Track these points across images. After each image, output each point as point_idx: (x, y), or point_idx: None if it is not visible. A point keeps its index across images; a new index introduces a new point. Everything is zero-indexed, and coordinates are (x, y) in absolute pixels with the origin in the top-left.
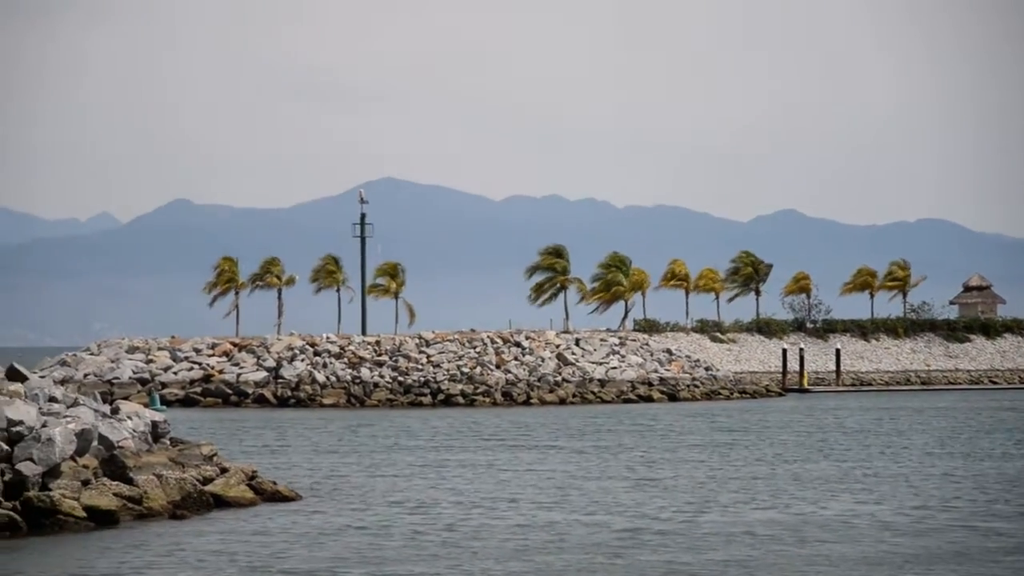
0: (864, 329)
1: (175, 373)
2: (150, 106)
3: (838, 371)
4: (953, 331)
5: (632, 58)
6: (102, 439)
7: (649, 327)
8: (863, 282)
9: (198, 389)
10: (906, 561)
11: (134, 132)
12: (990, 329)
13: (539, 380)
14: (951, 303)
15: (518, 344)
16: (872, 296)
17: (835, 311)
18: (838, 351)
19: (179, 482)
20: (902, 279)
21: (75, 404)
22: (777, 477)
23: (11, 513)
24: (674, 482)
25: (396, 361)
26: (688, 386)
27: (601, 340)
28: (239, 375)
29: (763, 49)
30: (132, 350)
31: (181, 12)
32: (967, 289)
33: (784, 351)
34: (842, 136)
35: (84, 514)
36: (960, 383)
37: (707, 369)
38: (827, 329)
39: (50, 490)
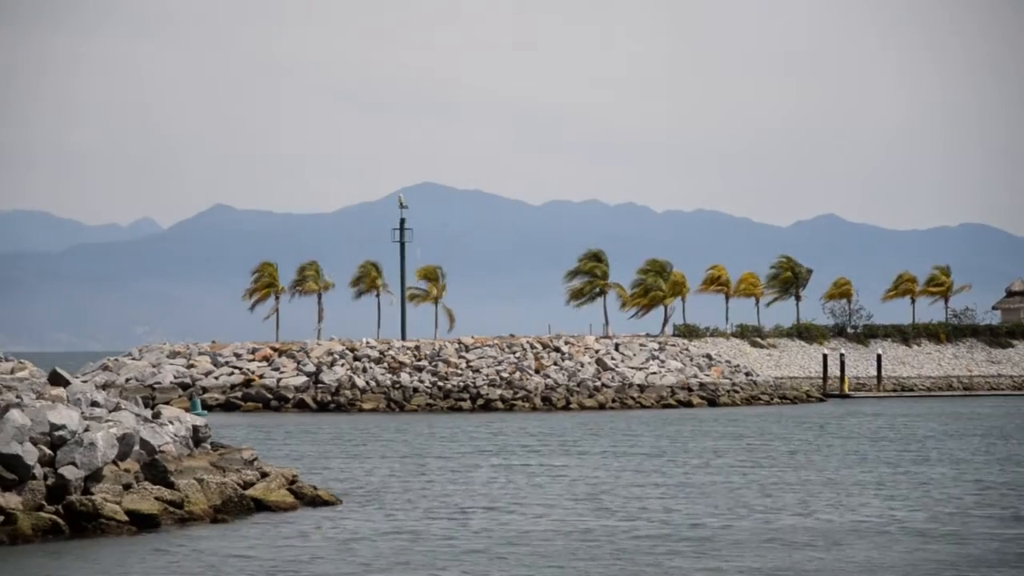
0: (905, 334)
1: (216, 378)
2: (191, 111)
3: (879, 376)
4: (995, 336)
5: (672, 64)
6: (143, 443)
7: (689, 332)
8: (904, 288)
9: (239, 394)
10: None
11: (175, 137)
12: None
13: (578, 385)
14: (993, 308)
15: (557, 349)
16: (913, 301)
17: (876, 316)
18: (879, 356)
19: (220, 486)
20: (944, 285)
21: (117, 409)
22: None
23: (54, 517)
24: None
25: (436, 366)
26: (728, 391)
27: (640, 345)
28: (279, 380)
29: (803, 53)
30: (173, 355)
31: (223, 16)
32: (1010, 294)
33: (825, 356)
34: (883, 140)
35: (126, 518)
36: (1002, 388)
37: (747, 374)
38: (868, 334)
39: (92, 494)
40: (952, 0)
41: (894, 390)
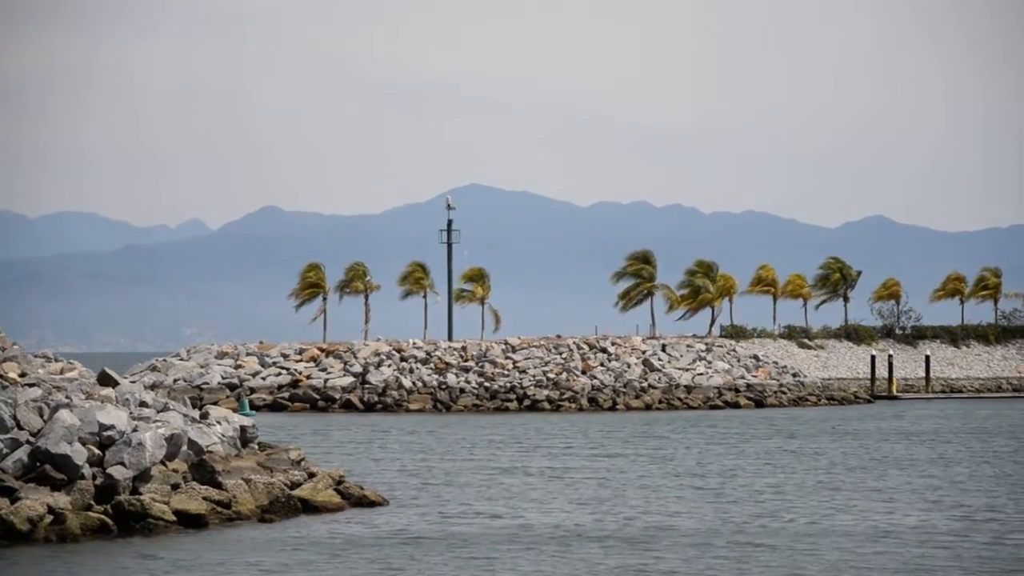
0: (954, 335)
1: (263, 378)
2: (240, 113)
3: (927, 378)
4: None
5: (720, 66)
6: (191, 444)
7: (736, 333)
8: (953, 288)
9: (286, 394)
10: None
11: (224, 139)
12: None
13: (625, 386)
14: None
15: (604, 350)
16: (963, 303)
17: (925, 318)
18: (927, 357)
19: (267, 486)
20: (994, 286)
21: (165, 409)
22: None
23: (102, 516)
24: None
25: (482, 367)
26: (775, 392)
27: (687, 346)
28: (326, 380)
29: (851, 54)
30: (221, 355)
31: (274, 17)
32: None
33: (872, 357)
34: (933, 141)
35: (174, 518)
36: None
37: (794, 375)
38: (916, 336)
39: (140, 494)
40: (999, 1)
41: (942, 391)
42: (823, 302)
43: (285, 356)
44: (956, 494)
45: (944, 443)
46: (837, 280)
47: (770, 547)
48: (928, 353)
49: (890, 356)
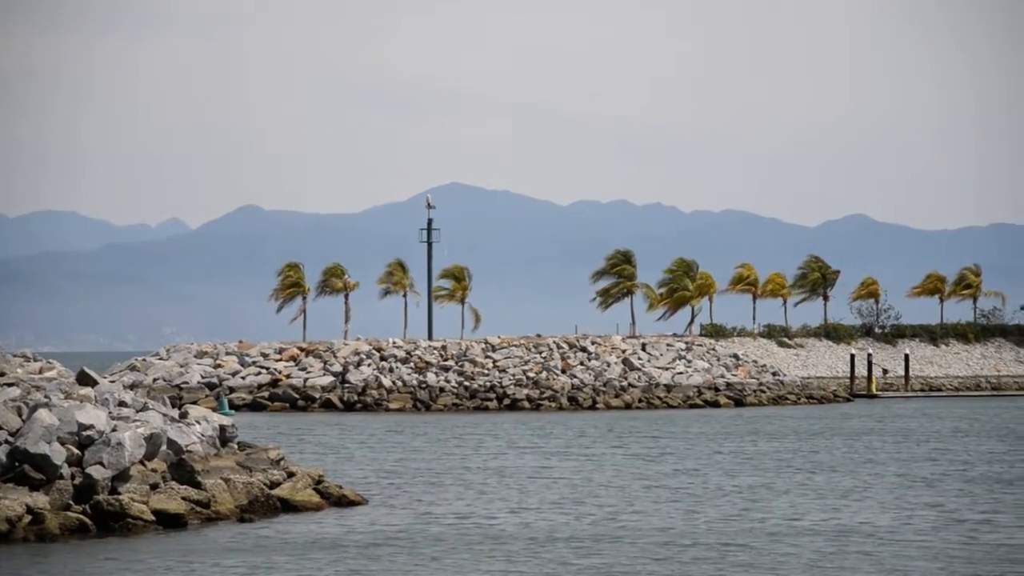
0: (933, 334)
1: (243, 378)
2: (220, 112)
3: (907, 376)
4: None
5: (701, 65)
6: (171, 443)
7: (716, 332)
8: (932, 287)
9: (265, 394)
10: None
11: (204, 138)
12: None
13: (605, 385)
14: (1022, 308)
15: (584, 349)
16: (942, 301)
17: (904, 316)
18: (907, 356)
19: (246, 486)
20: (975, 285)
21: (144, 408)
22: None
23: (81, 516)
24: None
25: (462, 366)
26: (755, 391)
27: (667, 345)
28: (306, 380)
29: (831, 54)
30: (200, 355)
31: (251, 19)
32: None
33: (852, 356)
34: (913, 140)
35: (152, 517)
36: None
37: (774, 374)
38: (896, 334)
39: (119, 493)
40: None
41: (921, 390)
42: (802, 301)
43: (265, 355)
44: (928, 493)
45: (922, 442)
46: (817, 279)
47: (744, 547)
48: (907, 352)
49: (869, 355)
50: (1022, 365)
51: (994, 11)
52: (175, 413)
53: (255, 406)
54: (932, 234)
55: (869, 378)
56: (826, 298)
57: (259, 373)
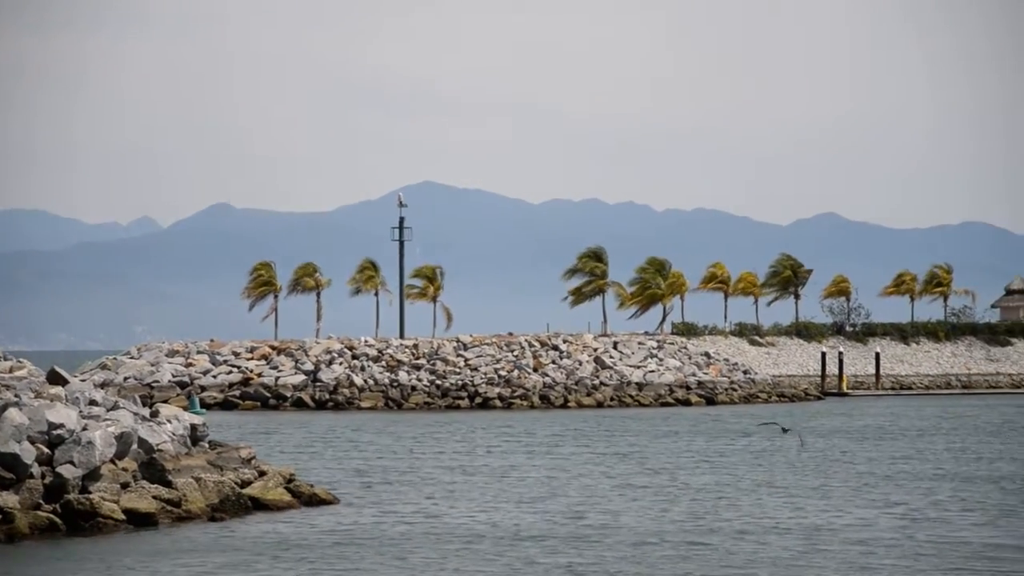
0: (904, 333)
1: (214, 376)
2: (191, 110)
3: (877, 375)
4: (994, 335)
5: (673, 62)
6: (141, 442)
7: (687, 330)
8: (903, 286)
9: (237, 392)
10: None
11: (175, 136)
12: None
13: (576, 383)
14: (993, 306)
15: (556, 347)
16: (912, 300)
17: (875, 315)
18: (877, 355)
19: (217, 485)
20: (945, 284)
21: (115, 407)
22: None
23: (51, 515)
24: None
25: (434, 364)
26: (726, 389)
27: (639, 343)
28: (277, 378)
29: (802, 53)
30: (172, 354)
31: (225, 14)
32: (1009, 292)
33: (823, 355)
34: (884, 139)
35: (123, 517)
36: (1001, 387)
37: (745, 372)
38: (867, 333)
39: (90, 493)
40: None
41: (892, 388)
42: (774, 299)
43: (236, 354)
44: (896, 492)
45: (891, 440)
46: (788, 277)
47: (711, 546)
48: (878, 350)
49: (840, 353)
50: (992, 363)
51: (958, 8)
52: (146, 412)
53: (226, 405)
54: (903, 233)
55: (840, 376)
56: (797, 297)
57: (230, 372)
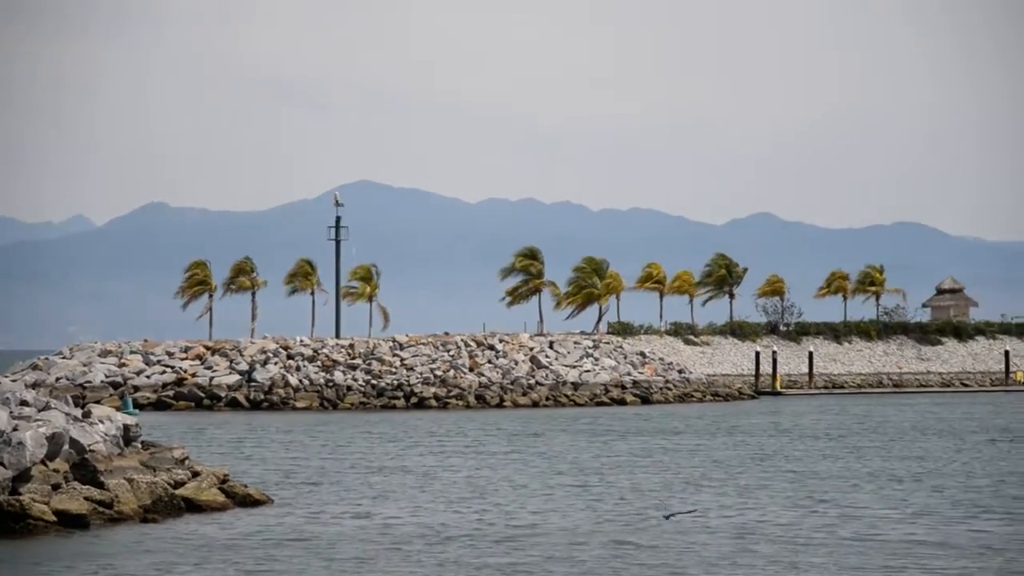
0: (837, 332)
1: (148, 376)
2: (125, 109)
3: (811, 374)
4: (925, 334)
5: (608, 61)
6: (73, 443)
7: (623, 330)
8: (837, 285)
9: (171, 392)
10: None
11: (110, 135)
12: (962, 332)
13: (512, 383)
14: (924, 306)
15: (492, 347)
16: (845, 299)
17: (808, 314)
18: (811, 354)
19: (150, 486)
20: (878, 283)
21: (46, 408)
22: None
23: None
24: None
25: (369, 364)
26: (661, 389)
27: (575, 343)
28: (212, 378)
29: (738, 53)
30: (104, 354)
31: (157, 14)
32: (940, 292)
33: (757, 354)
34: (817, 140)
35: (54, 518)
36: (932, 386)
37: (680, 372)
38: (800, 332)
39: (20, 494)
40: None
41: (825, 387)
42: (709, 299)
43: (170, 354)
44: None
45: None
46: (723, 277)
47: (642, 545)
48: (811, 349)
49: (774, 352)
50: (923, 363)
51: (879, 7)
52: (78, 412)
53: (160, 405)
54: (837, 232)
55: (774, 376)
56: (732, 296)
57: (164, 372)
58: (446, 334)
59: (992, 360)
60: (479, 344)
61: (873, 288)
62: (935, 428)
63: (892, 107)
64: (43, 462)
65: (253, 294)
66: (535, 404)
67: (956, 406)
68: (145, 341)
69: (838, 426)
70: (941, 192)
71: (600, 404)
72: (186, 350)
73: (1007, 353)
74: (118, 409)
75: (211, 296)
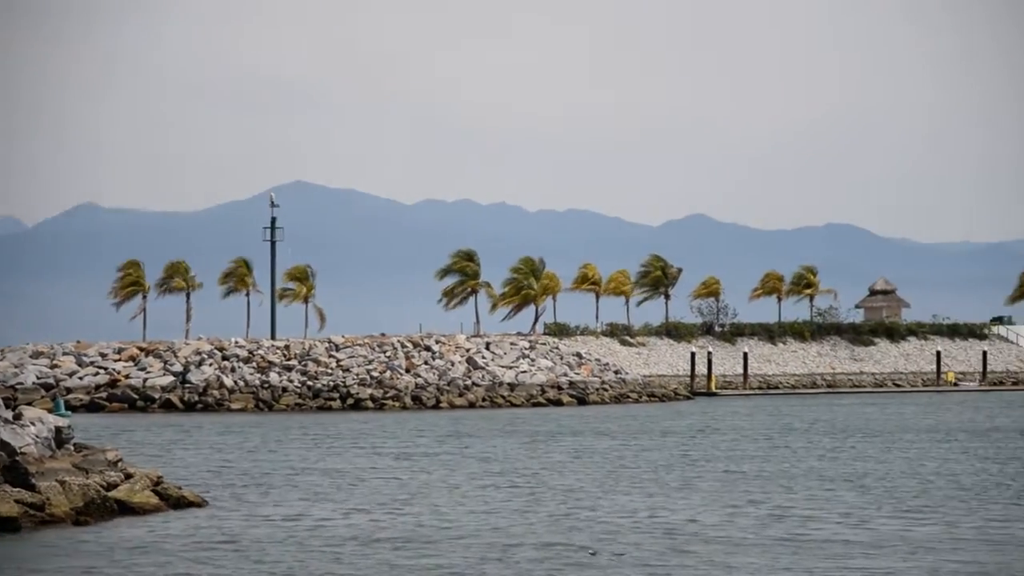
0: (771, 333)
1: (80, 378)
2: (54, 109)
3: (745, 374)
4: (858, 335)
5: (544, 63)
6: (4, 445)
7: (559, 331)
8: (771, 286)
9: (104, 394)
10: None
11: (41, 134)
12: (894, 332)
13: (449, 384)
14: (857, 307)
15: (428, 348)
16: (780, 300)
17: (743, 315)
18: (745, 355)
19: (82, 488)
20: (812, 284)
21: None
22: None
23: None
24: None
25: (305, 365)
26: (597, 389)
27: (511, 344)
28: (146, 380)
29: (671, 51)
30: (36, 355)
31: (88, 12)
32: (872, 293)
33: (692, 354)
34: (751, 141)
35: None
36: (865, 386)
37: (616, 372)
38: (735, 333)
39: None
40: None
41: (760, 388)
42: (644, 300)
43: (103, 355)
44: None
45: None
46: (658, 278)
47: (573, 546)
48: (746, 350)
49: (709, 353)
50: (856, 363)
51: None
52: (9, 414)
53: (93, 407)
54: (771, 234)
55: (709, 376)
56: (667, 297)
57: (97, 373)
58: (382, 335)
59: (924, 361)
60: (415, 345)
61: (809, 290)
62: (866, 428)
63: (821, 108)
64: None
65: (188, 295)
66: (472, 405)
67: (887, 406)
68: (78, 342)
69: (771, 426)
70: (872, 194)
71: (537, 405)
72: (119, 351)
73: (939, 354)
74: (50, 411)
75: (145, 297)
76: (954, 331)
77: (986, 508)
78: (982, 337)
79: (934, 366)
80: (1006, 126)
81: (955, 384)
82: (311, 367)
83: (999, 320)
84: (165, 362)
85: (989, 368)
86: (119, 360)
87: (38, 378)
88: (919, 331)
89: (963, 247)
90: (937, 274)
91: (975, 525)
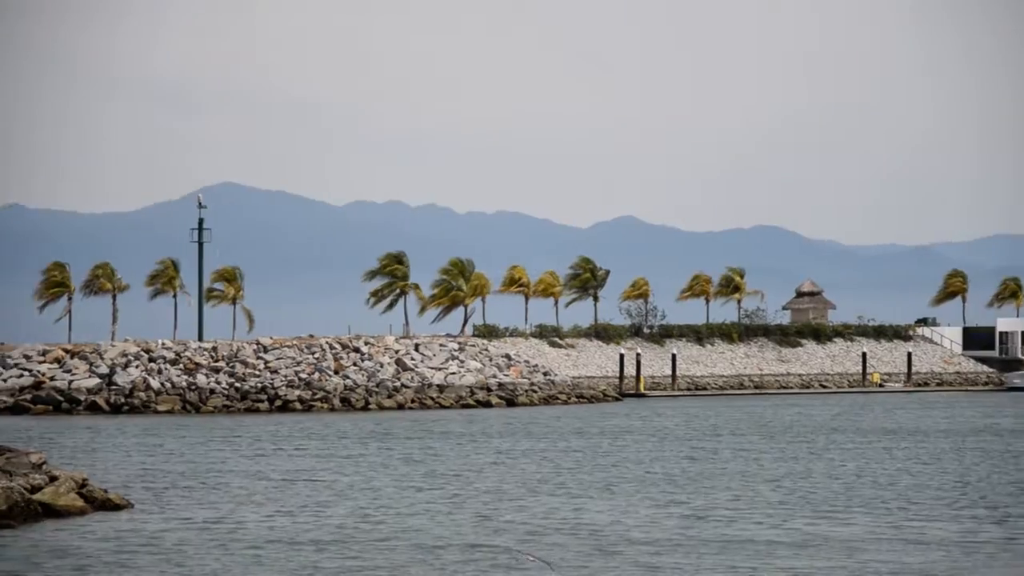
0: (699, 334)
1: (4, 380)
2: None
3: (674, 376)
4: (785, 336)
5: (472, 63)
6: None
7: (488, 332)
8: (699, 288)
9: (28, 396)
10: None
11: None
12: (821, 334)
13: (378, 386)
14: (784, 308)
15: (357, 350)
16: (708, 302)
17: (671, 317)
18: (674, 356)
19: (6, 491)
20: (740, 287)
21: None
22: None
23: None
24: None
25: (233, 367)
26: (526, 391)
27: (440, 345)
28: (71, 382)
29: (596, 57)
30: None
31: (17, 9)
32: (799, 295)
33: (621, 356)
34: (680, 143)
35: None
36: (792, 387)
37: (545, 374)
38: (663, 334)
39: None
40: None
41: (688, 389)
42: (573, 301)
43: (27, 357)
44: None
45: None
46: (587, 279)
47: (499, 547)
48: (674, 352)
49: (638, 355)
50: (783, 364)
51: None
52: None
53: (17, 409)
54: (699, 236)
55: (638, 378)
56: (596, 298)
57: (21, 375)
58: (311, 337)
59: (850, 362)
60: (344, 347)
61: (737, 293)
62: (793, 429)
63: (749, 111)
64: None
65: (114, 296)
66: (401, 407)
67: (813, 407)
68: (1, 344)
69: (698, 428)
70: (798, 196)
71: (466, 406)
72: (44, 353)
73: (864, 355)
74: None
75: (70, 298)
76: (879, 333)
77: (906, 508)
78: (907, 338)
79: (860, 367)
80: (930, 130)
81: (880, 385)
82: (239, 369)
83: (923, 322)
84: (91, 364)
85: (914, 369)
86: (44, 362)
87: None
88: (845, 332)
89: (889, 249)
90: (863, 276)
91: (896, 524)
